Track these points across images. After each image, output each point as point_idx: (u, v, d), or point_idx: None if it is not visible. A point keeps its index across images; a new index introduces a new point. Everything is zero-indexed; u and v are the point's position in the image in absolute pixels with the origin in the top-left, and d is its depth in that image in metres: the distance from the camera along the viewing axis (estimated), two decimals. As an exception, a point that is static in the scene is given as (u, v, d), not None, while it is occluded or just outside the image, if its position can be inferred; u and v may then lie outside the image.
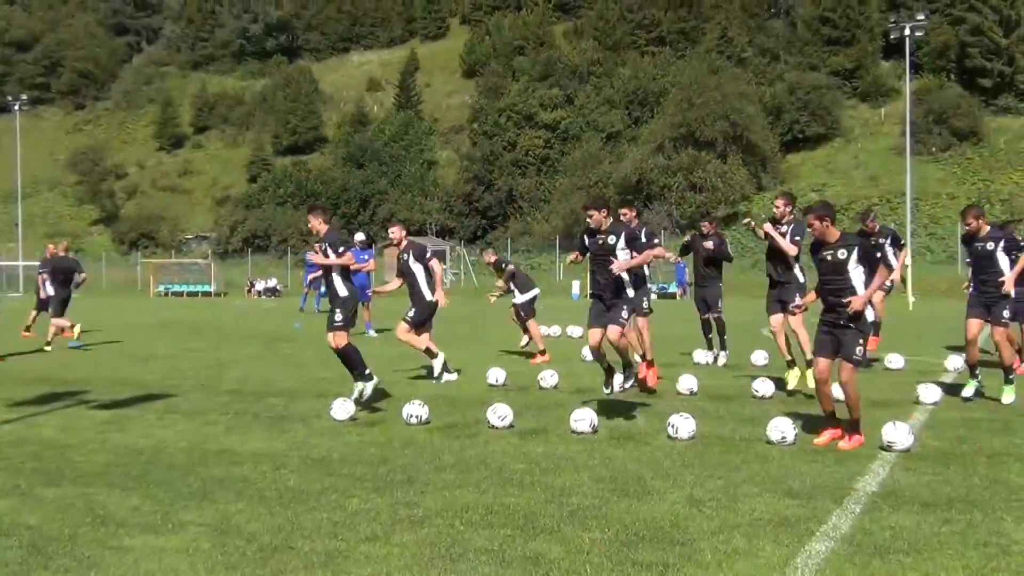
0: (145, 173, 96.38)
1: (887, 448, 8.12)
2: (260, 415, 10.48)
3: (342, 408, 9.99)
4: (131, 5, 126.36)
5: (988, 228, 10.98)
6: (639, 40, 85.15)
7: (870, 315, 8.53)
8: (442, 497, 6.67)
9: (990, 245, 10.90)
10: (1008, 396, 10.90)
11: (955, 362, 14.29)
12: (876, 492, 6.75)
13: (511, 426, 9.39)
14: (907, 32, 49.19)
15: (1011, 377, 11.03)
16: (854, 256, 8.40)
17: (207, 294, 60.17)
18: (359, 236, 23.10)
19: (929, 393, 10.94)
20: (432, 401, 10.72)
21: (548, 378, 12.50)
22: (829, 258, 8.51)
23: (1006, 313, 10.87)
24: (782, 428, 8.48)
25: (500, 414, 9.43)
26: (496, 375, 12.91)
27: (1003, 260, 10.89)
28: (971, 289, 11.16)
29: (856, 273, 8.41)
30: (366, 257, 22.12)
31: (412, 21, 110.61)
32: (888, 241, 14.31)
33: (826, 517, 6.10)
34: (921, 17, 51.25)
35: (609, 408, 10.52)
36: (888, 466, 7.59)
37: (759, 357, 15.13)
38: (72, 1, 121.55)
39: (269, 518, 6.17)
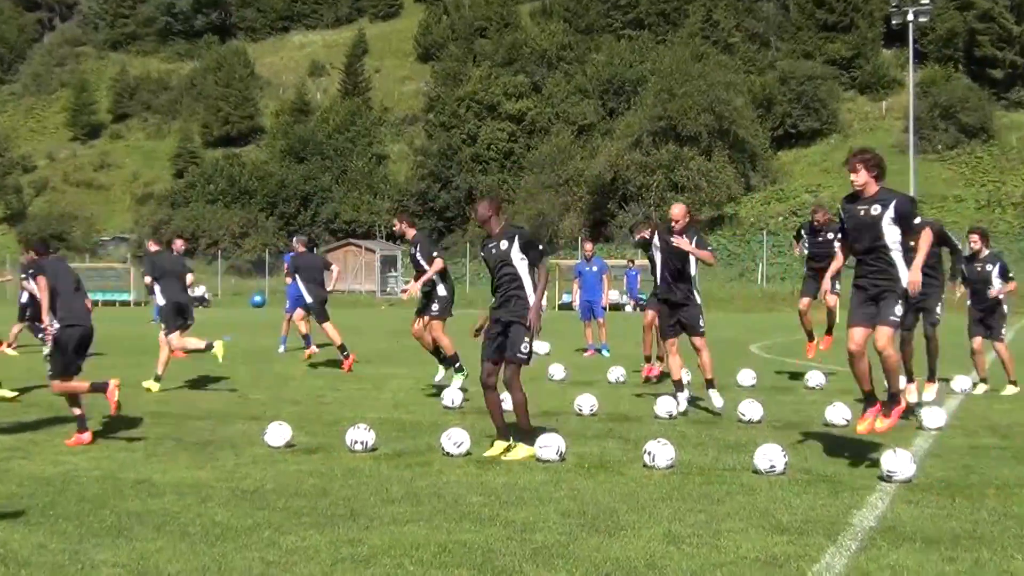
0: (56, 166, 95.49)
1: (886, 478, 8.18)
2: (184, 440, 10.39)
3: (278, 433, 9.93)
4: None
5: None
6: (614, 22, 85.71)
7: None
8: (389, 533, 6.64)
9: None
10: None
11: (962, 383, 14.46)
12: (874, 527, 6.80)
13: (468, 453, 9.38)
14: (910, 17, 49.89)
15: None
16: None
17: (125, 303, 59.57)
18: (298, 239, 22.92)
19: (933, 417, 11.05)
20: (379, 425, 10.68)
21: (510, 400, 12.46)
22: None
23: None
24: (771, 456, 8.52)
25: (456, 440, 9.42)
26: (452, 396, 12.89)
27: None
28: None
29: None
30: (306, 263, 22.05)
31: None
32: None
33: (819, 555, 6.13)
34: (926, 1, 51.90)
35: (578, 434, 10.53)
36: (887, 498, 7.65)
37: (746, 377, 15.22)
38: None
39: (193, 557, 6.11)
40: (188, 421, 11.76)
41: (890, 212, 8.61)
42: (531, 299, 9.32)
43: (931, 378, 13.34)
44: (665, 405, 11.95)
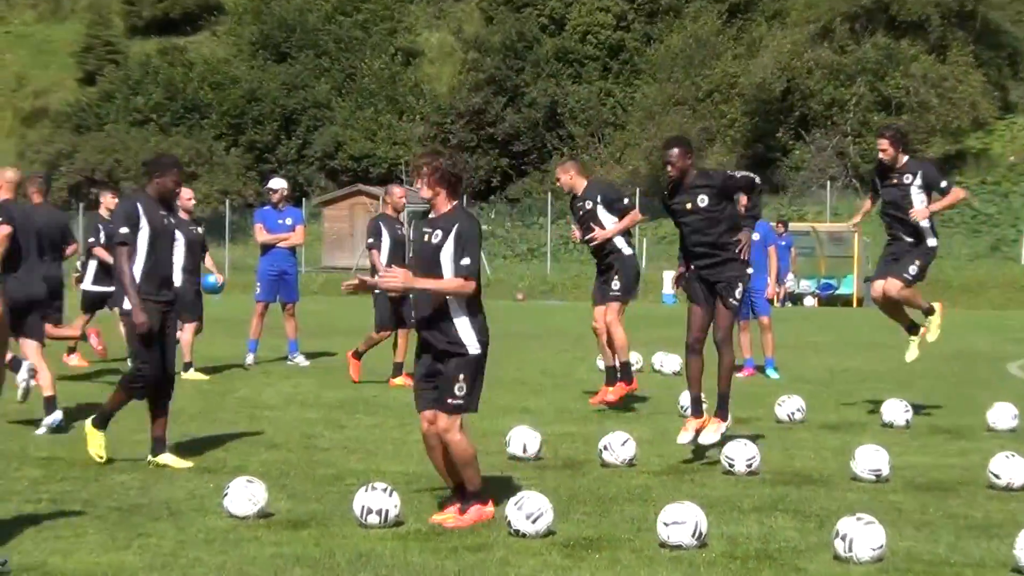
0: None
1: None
2: (97, 504, 10.48)
3: (245, 495, 9.94)
4: None
5: None
6: None
7: None
8: (425, 660, 6.68)
9: None
10: None
11: None
12: None
13: (550, 532, 9.38)
14: None
15: None
16: None
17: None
18: (276, 183, 22.78)
19: None
20: (406, 484, 10.70)
21: (617, 446, 12.45)
22: None
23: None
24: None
25: (530, 511, 9.41)
26: (523, 440, 12.88)
27: None
28: None
29: None
30: (288, 221, 21.86)
31: None
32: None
33: None
34: None
35: (728, 503, 10.49)
36: None
37: (1002, 415, 14.99)
38: None
39: None
40: (104, 473, 11.87)
41: None
42: None
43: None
44: (869, 460, 11.85)
